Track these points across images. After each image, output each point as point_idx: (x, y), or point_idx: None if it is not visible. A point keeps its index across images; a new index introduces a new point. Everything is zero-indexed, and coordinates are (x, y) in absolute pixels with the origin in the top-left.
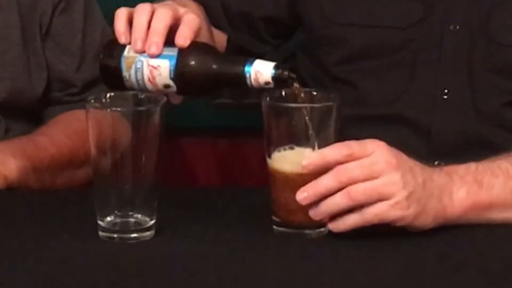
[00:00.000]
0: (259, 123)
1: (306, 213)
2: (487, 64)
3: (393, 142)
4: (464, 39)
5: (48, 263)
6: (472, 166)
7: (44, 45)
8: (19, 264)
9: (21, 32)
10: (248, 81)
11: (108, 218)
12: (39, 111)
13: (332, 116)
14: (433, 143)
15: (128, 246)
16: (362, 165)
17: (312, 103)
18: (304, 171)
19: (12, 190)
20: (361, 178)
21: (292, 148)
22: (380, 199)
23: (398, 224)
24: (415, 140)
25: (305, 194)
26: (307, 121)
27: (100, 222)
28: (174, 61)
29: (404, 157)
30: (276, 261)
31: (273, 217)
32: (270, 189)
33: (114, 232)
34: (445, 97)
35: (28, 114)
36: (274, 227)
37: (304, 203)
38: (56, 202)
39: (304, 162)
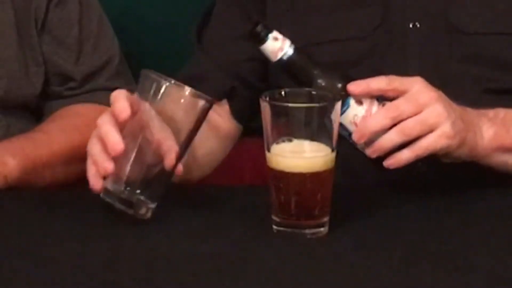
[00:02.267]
0: (259, 123)
1: (305, 212)
2: (457, 55)
3: None
4: (427, 35)
5: (48, 263)
6: (501, 112)
7: (41, 39)
8: (19, 264)
9: (17, 28)
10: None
11: (116, 186)
12: (40, 108)
13: (332, 115)
14: None
15: (128, 246)
16: (408, 99)
17: (312, 102)
18: (350, 88)
19: (12, 190)
20: (409, 112)
21: (290, 141)
22: (430, 131)
23: (441, 153)
24: None
25: (361, 133)
26: None
27: (108, 185)
28: None
29: (439, 91)
30: (276, 260)
31: (273, 217)
32: (270, 188)
33: (116, 199)
34: None
35: (28, 112)
36: (274, 227)
37: (360, 141)
38: (56, 202)
39: (351, 86)
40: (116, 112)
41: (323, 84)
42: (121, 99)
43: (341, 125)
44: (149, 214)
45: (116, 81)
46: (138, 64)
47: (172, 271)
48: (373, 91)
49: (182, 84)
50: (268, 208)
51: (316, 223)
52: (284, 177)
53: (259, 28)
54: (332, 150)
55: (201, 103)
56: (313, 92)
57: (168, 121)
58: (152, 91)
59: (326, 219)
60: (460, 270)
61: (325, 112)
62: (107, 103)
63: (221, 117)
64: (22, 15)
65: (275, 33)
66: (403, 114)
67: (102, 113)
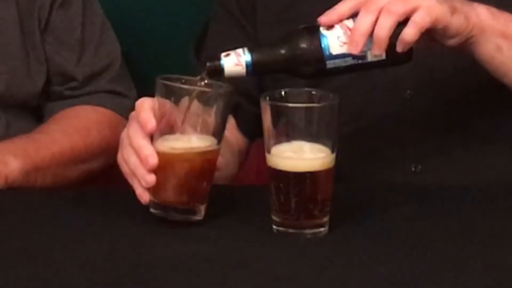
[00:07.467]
0: None
1: (305, 212)
2: (448, 49)
3: (369, 156)
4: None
5: (48, 263)
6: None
7: (43, 39)
8: (20, 264)
9: (20, 26)
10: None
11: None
12: (40, 108)
13: (332, 115)
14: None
15: (128, 246)
16: None
17: (312, 102)
18: (322, 20)
19: (13, 190)
20: (386, 0)
21: (290, 141)
22: (415, 8)
23: (440, 26)
24: (392, 146)
25: (355, 42)
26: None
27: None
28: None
29: None
30: (276, 261)
31: (273, 217)
32: (270, 188)
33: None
34: (409, 97)
35: (28, 111)
36: (274, 227)
37: (358, 51)
38: (56, 202)
39: (323, 19)
40: (142, 123)
41: (298, 52)
42: (144, 110)
43: (336, 57)
44: (201, 216)
45: (117, 84)
46: (138, 64)
47: (172, 272)
48: (344, 14)
49: (193, 78)
50: (268, 208)
51: (316, 223)
52: (284, 178)
53: (208, 64)
54: (332, 151)
55: (218, 91)
56: (313, 92)
57: (193, 117)
58: (172, 98)
59: (326, 219)
60: (460, 271)
61: (325, 112)
62: (108, 105)
63: (229, 132)
64: (26, 13)
65: (223, 54)
66: (382, 3)
67: (102, 115)
